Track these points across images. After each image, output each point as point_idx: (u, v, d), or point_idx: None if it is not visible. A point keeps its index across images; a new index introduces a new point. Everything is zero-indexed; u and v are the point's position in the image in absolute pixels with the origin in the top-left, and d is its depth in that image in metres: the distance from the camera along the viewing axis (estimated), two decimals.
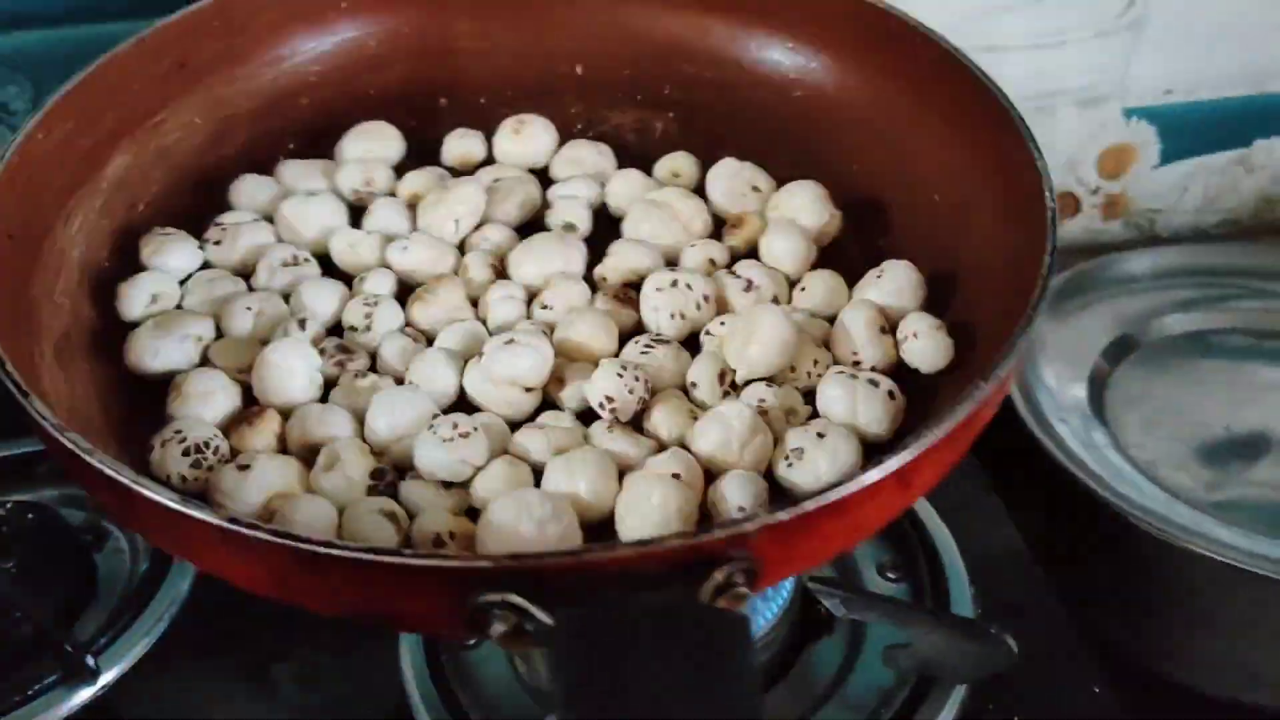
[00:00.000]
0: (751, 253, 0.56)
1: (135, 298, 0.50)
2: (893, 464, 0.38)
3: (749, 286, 0.52)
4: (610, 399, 0.46)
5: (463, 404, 0.49)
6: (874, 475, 0.37)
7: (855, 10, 0.58)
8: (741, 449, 0.45)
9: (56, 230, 0.52)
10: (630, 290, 0.53)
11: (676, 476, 0.43)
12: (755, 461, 0.45)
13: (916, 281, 0.51)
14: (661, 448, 0.46)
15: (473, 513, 0.44)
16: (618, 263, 0.54)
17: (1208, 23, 0.71)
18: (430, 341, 0.51)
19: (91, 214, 0.54)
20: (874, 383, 0.46)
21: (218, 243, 0.54)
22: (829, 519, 0.38)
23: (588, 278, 0.54)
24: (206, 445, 0.44)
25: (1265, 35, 0.72)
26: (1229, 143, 0.77)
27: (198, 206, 0.57)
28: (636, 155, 0.61)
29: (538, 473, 0.45)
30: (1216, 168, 0.78)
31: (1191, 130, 0.77)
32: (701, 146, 0.61)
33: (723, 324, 0.50)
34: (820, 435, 0.44)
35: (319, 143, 0.61)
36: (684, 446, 0.46)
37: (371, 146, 0.59)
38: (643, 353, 0.49)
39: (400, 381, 0.49)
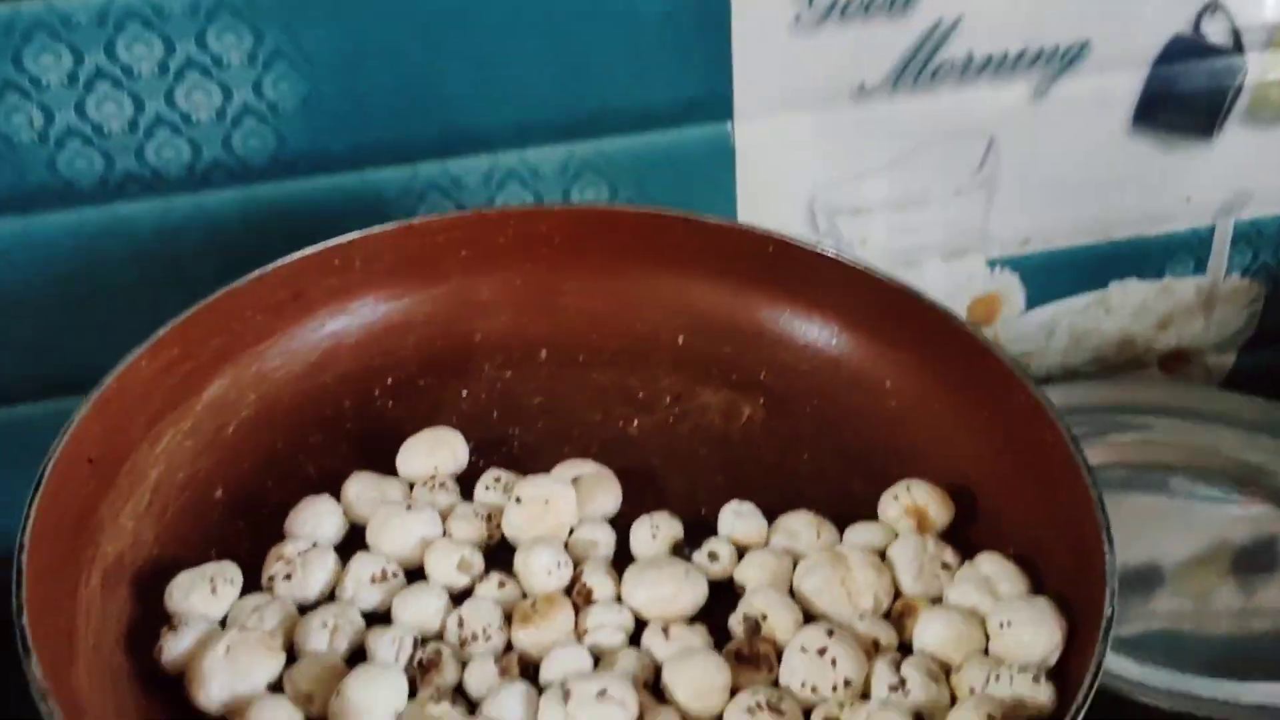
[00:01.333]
0: None
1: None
2: None
3: (900, 685, 0.43)
4: None
5: None
6: None
7: (955, 340, 0.54)
8: None
9: (140, 452, 0.50)
10: (760, 646, 0.45)
11: None
12: None
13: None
14: None
15: None
16: (756, 610, 0.46)
17: (1053, 179, 0.73)
18: (526, 665, 0.45)
19: (179, 435, 0.51)
20: None
21: (288, 577, 0.47)
22: None
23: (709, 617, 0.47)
24: None
25: (1106, 189, 0.74)
26: (1087, 285, 0.78)
27: (286, 433, 0.55)
28: (718, 438, 0.57)
29: None
30: (1078, 309, 0.79)
31: (1052, 276, 0.77)
32: (783, 439, 0.56)
33: (850, 706, 0.42)
34: None
35: (416, 382, 0.58)
36: None
37: (435, 460, 0.53)
38: (749, 709, 0.42)
39: (475, 707, 0.43)
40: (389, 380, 0.59)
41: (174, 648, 0.44)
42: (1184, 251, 0.79)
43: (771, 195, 0.70)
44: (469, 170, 0.66)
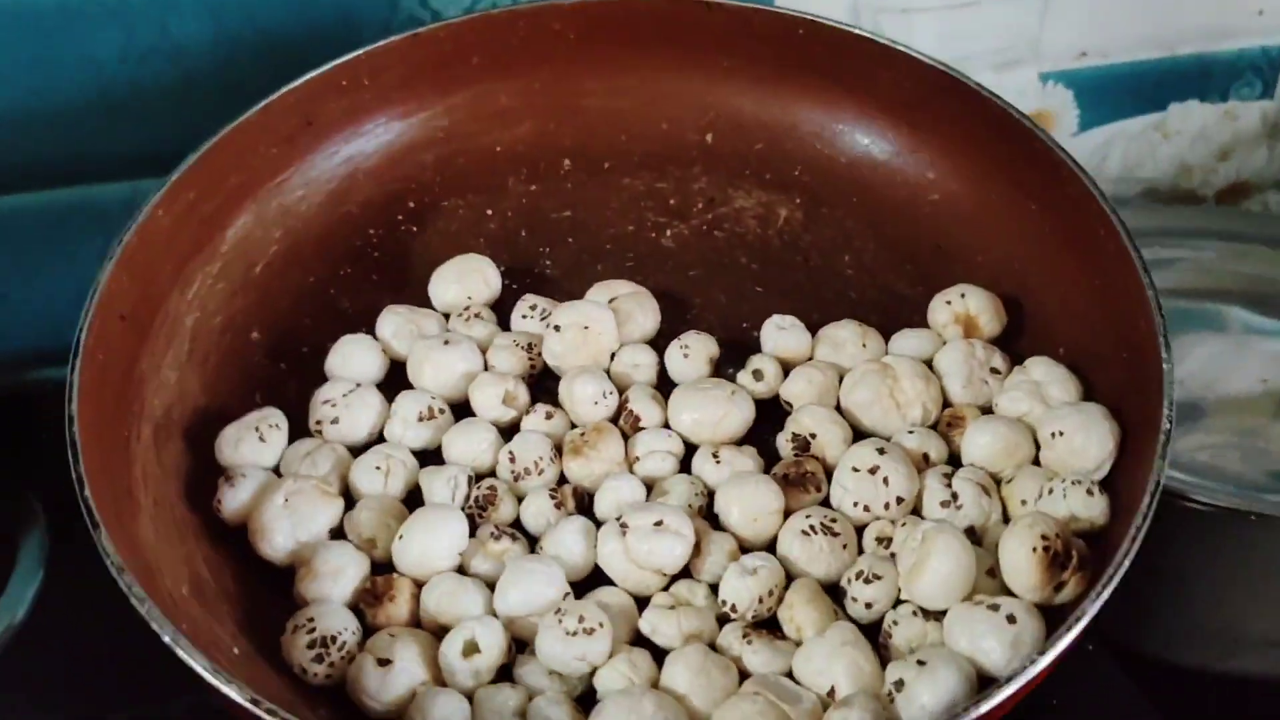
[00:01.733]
0: None
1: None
2: None
3: (952, 501, 0.43)
4: (734, 607, 0.41)
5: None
6: None
7: (1002, 126, 0.51)
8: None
9: (171, 300, 0.49)
10: (808, 465, 0.45)
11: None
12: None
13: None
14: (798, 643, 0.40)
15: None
16: (805, 430, 0.46)
17: None
18: (580, 496, 0.45)
19: (209, 279, 0.51)
20: (994, 607, 0.38)
21: (335, 421, 0.47)
22: None
23: (756, 441, 0.47)
24: (333, 640, 0.40)
25: None
26: (1145, 107, 0.73)
27: (316, 267, 0.53)
28: (756, 244, 0.55)
29: (659, 655, 0.40)
30: (1133, 134, 0.74)
31: (1108, 95, 0.72)
32: (823, 242, 0.55)
33: (903, 525, 0.42)
34: (921, 663, 0.37)
35: (439, 206, 0.56)
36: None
37: (467, 289, 0.52)
38: (804, 532, 0.42)
39: (535, 540, 0.44)
40: (411, 204, 0.57)
41: (233, 500, 0.44)
42: (1251, 73, 0.72)
43: None
44: None
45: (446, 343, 0.49)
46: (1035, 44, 0.70)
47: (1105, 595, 0.36)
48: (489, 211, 0.57)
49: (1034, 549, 0.39)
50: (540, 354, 0.50)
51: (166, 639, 0.37)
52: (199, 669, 0.36)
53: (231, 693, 0.35)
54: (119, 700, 0.48)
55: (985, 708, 0.34)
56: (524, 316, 0.51)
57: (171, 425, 0.48)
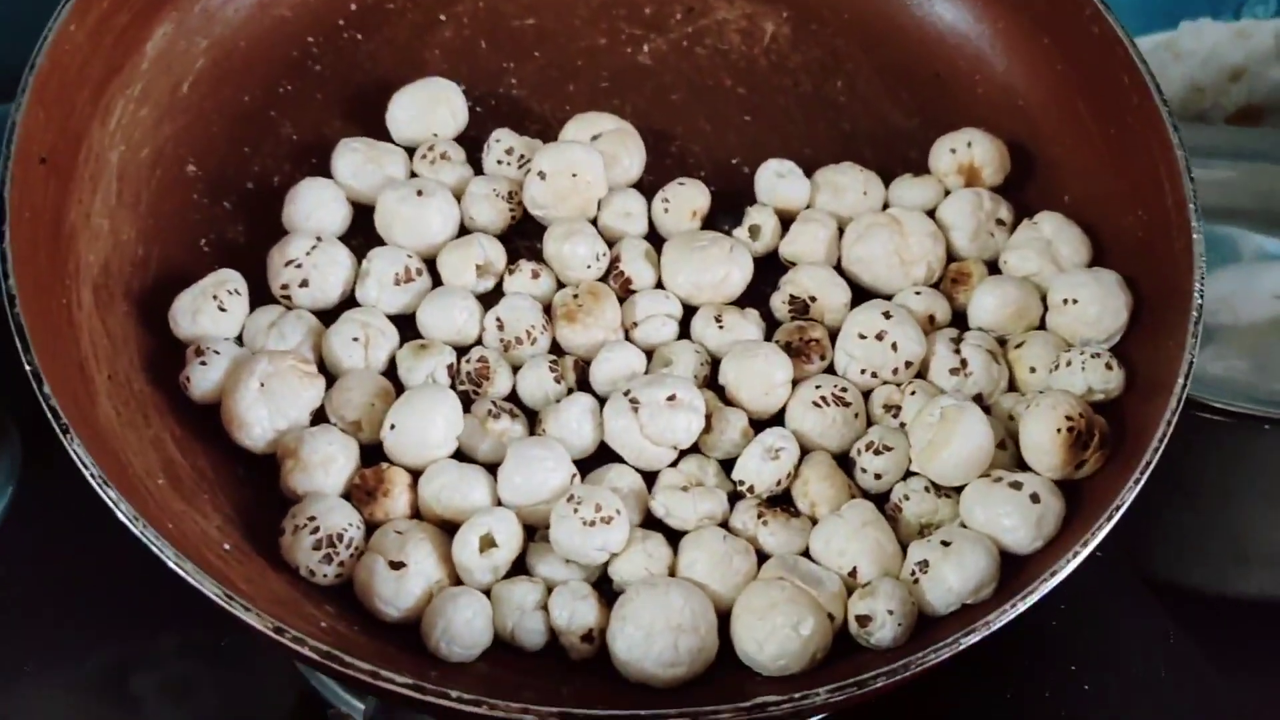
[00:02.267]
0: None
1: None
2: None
3: (961, 368, 0.41)
4: (751, 488, 0.40)
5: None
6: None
7: None
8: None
9: (93, 135, 0.43)
10: (812, 332, 0.43)
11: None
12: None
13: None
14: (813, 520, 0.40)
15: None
16: (804, 291, 0.43)
17: None
18: (580, 367, 0.42)
19: (130, 103, 0.44)
20: (1016, 485, 0.38)
21: (303, 284, 0.42)
22: None
23: (755, 297, 0.44)
24: (340, 538, 0.37)
25: None
26: (1155, 24, 0.69)
27: (251, 84, 0.47)
28: (742, 64, 0.50)
29: (673, 535, 0.39)
30: (1143, 53, 0.73)
31: (1117, 11, 0.71)
32: (814, 63, 0.51)
33: (912, 393, 0.41)
34: (945, 544, 0.37)
35: (384, 7, 0.50)
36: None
37: (431, 124, 0.47)
38: (815, 404, 0.41)
39: (534, 417, 0.41)
40: (352, 6, 0.51)
41: (201, 380, 0.41)
42: None
43: None
44: None
45: (420, 193, 0.44)
46: None
47: (1143, 480, 0.36)
48: (442, 17, 0.51)
49: (1059, 429, 0.39)
50: (521, 202, 0.46)
51: (155, 550, 0.34)
52: (209, 593, 0.34)
53: (251, 620, 0.33)
54: (103, 632, 0.45)
55: (1025, 604, 0.34)
56: (499, 162, 0.47)
57: (112, 284, 0.43)
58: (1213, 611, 0.50)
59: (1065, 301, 0.43)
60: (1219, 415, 0.49)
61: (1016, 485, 0.39)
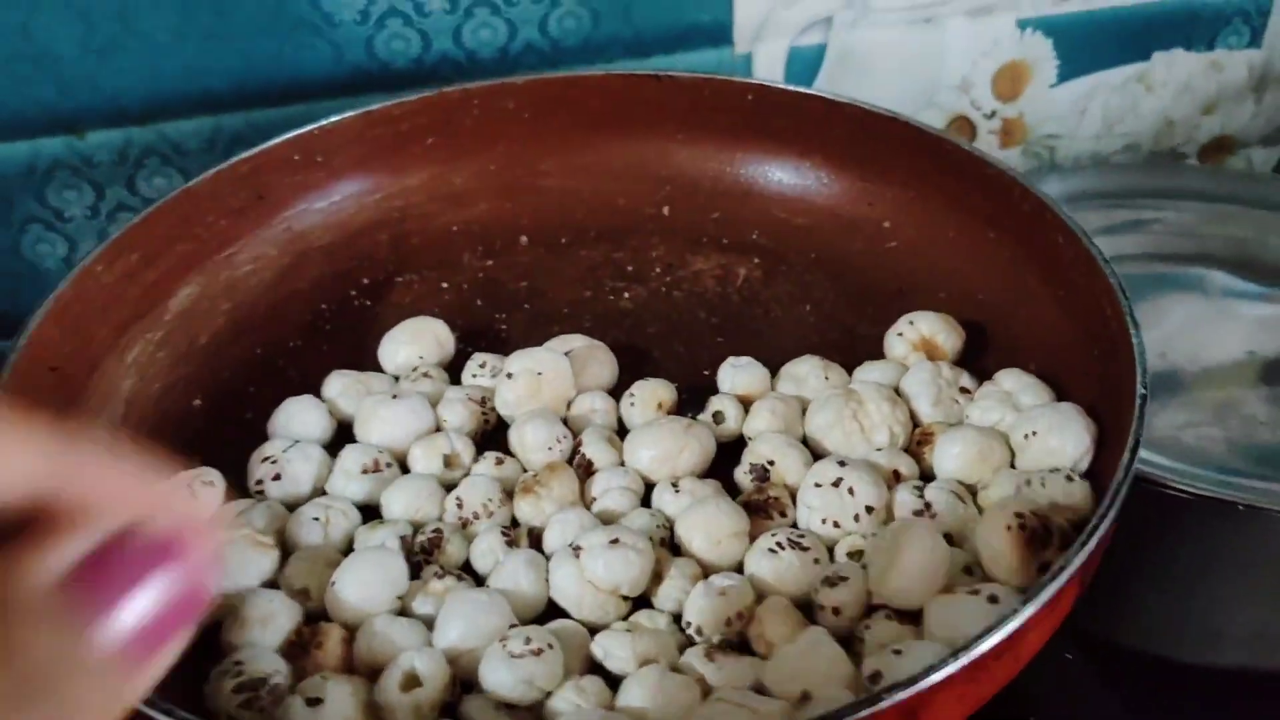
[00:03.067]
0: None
1: None
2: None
3: (925, 509, 0.41)
4: (699, 630, 0.38)
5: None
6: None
7: (948, 159, 0.51)
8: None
9: (109, 362, 0.48)
10: (770, 490, 0.43)
11: None
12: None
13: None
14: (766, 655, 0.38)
15: None
16: (762, 457, 0.44)
17: None
18: (533, 535, 0.43)
19: (150, 345, 0.50)
20: (974, 591, 0.36)
21: (276, 478, 0.45)
22: None
23: (719, 475, 0.45)
24: (263, 683, 0.36)
25: None
26: (1127, 56, 0.69)
27: (264, 340, 0.52)
28: (715, 301, 0.54)
29: (613, 681, 0.37)
30: (1115, 85, 0.70)
31: (1089, 43, 0.68)
32: (783, 295, 0.54)
33: (873, 535, 0.40)
34: (897, 653, 0.35)
35: (393, 281, 0.56)
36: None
37: (419, 349, 0.51)
38: (771, 550, 0.40)
39: (481, 583, 0.41)
40: (365, 281, 0.57)
41: None
42: (1240, 19, 0.70)
43: None
44: None
45: (395, 396, 0.47)
46: None
47: (1090, 545, 0.33)
48: (444, 285, 0.57)
49: (1008, 527, 0.36)
50: (494, 407, 0.48)
51: None
52: None
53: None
54: None
55: (959, 664, 0.30)
56: (474, 376, 0.50)
57: None
58: (1186, 687, 0.47)
59: (1026, 437, 0.42)
60: (1187, 495, 0.44)
61: (974, 592, 0.36)
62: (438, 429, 0.48)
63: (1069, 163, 0.74)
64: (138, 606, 0.22)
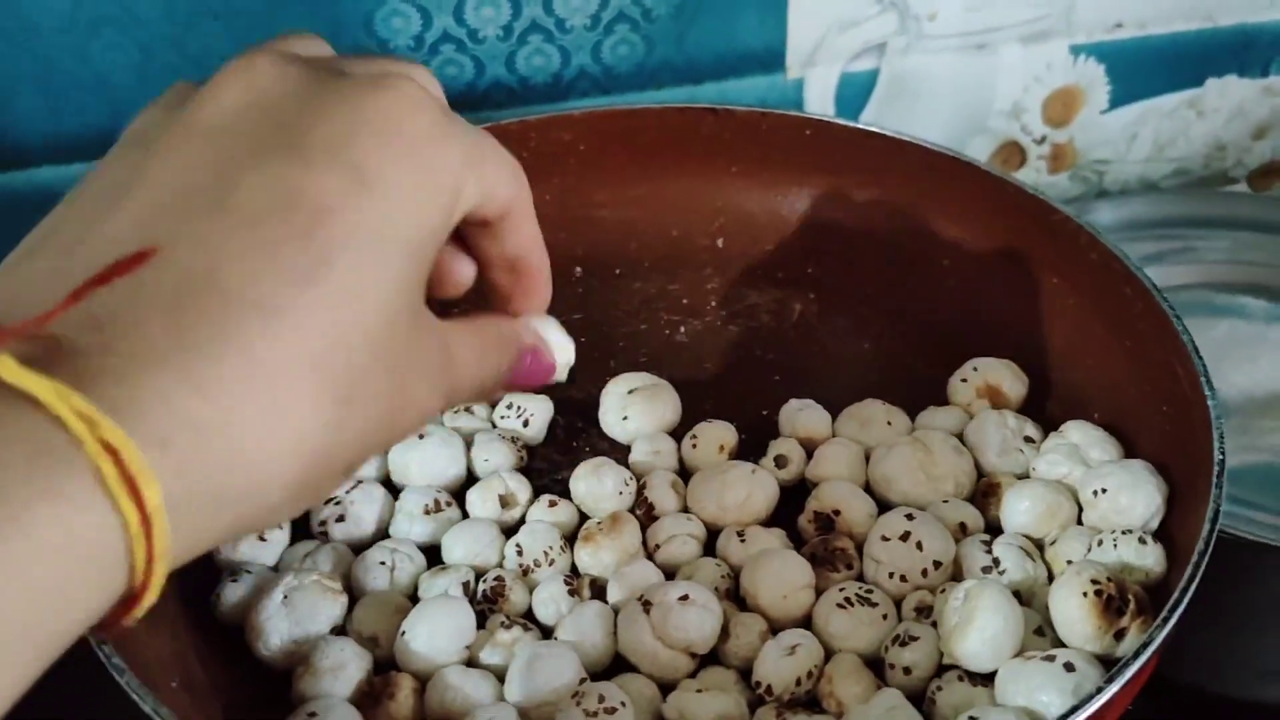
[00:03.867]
0: None
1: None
2: None
3: (994, 565, 0.41)
4: (769, 689, 0.38)
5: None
6: None
7: (1011, 201, 0.51)
8: None
9: None
10: (836, 541, 0.43)
11: None
12: None
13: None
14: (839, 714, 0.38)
15: None
16: (827, 506, 0.44)
17: None
18: (595, 585, 0.43)
19: None
20: (1050, 658, 0.36)
21: (340, 519, 0.45)
22: None
23: (782, 520, 0.45)
24: None
25: None
26: (1180, 82, 0.69)
27: None
28: (771, 336, 0.55)
29: None
30: (1166, 111, 0.70)
31: (1142, 69, 0.68)
32: (841, 331, 0.55)
33: (942, 591, 0.40)
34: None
35: (447, 312, 0.61)
36: None
37: None
38: (839, 605, 0.40)
39: (549, 633, 0.42)
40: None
41: (230, 596, 0.42)
42: None
43: None
44: (486, 21, 0.62)
45: (421, 436, 0.48)
46: (1068, 14, 0.67)
47: (1174, 620, 0.33)
48: None
49: (1084, 594, 0.36)
50: (526, 445, 0.49)
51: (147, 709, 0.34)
52: None
53: None
54: None
55: None
56: (502, 417, 0.51)
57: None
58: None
59: (1095, 494, 0.42)
60: (1248, 540, 0.44)
61: (1050, 658, 0.36)
62: (469, 466, 0.48)
63: (1118, 187, 0.74)
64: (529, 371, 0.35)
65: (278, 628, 0.41)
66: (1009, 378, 0.48)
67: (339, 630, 0.42)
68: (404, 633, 0.40)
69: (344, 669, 0.40)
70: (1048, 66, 0.69)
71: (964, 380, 0.48)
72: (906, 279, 0.55)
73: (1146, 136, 0.73)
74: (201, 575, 0.44)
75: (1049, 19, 0.67)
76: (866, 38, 0.67)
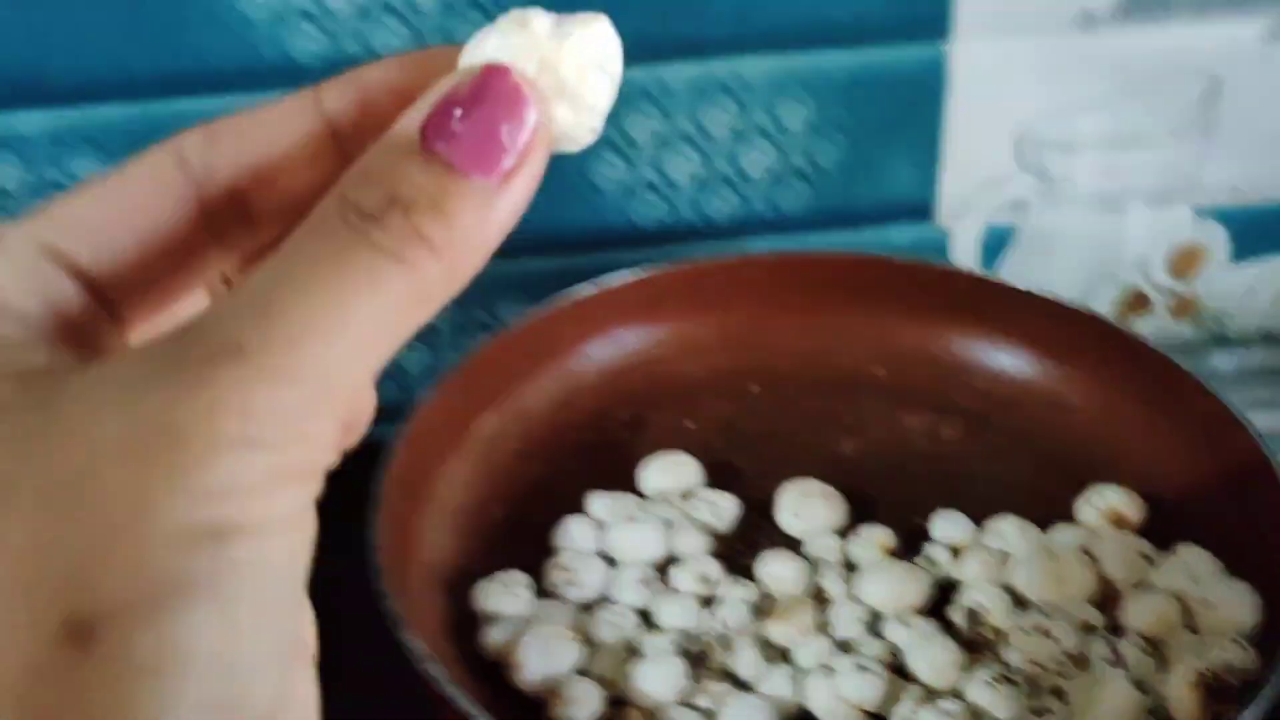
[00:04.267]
0: None
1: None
2: None
3: (1115, 660, 0.50)
4: None
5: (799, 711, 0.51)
6: None
7: (1139, 357, 0.62)
8: None
9: (434, 478, 0.60)
10: (983, 631, 0.53)
11: None
12: None
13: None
14: None
15: None
16: (973, 601, 0.53)
17: (1277, 127, 0.70)
18: (780, 653, 0.53)
19: (461, 465, 0.62)
20: None
21: (570, 583, 0.57)
22: None
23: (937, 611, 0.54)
24: None
25: None
26: None
27: (544, 460, 0.64)
28: (923, 454, 0.65)
29: None
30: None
31: (1263, 231, 0.75)
32: (982, 453, 0.65)
33: (1068, 679, 0.49)
34: None
35: (648, 416, 0.67)
36: None
37: (671, 479, 0.62)
38: (987, 683, 0.49)
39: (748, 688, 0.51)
40: (625, 415, 0.68)
41: (495, 637, 0.53)
42: None
43: (980, 123, 0.71)
44: (680, 171, 0.73)
45: (631, 519, 0.59)
46: (1193, 180, 0.74)
47: (1263, 706, 0.42)
48: (688, 423, 0.68)
49: (1193, 683, 0.46)
50: (715, 532, 0.60)
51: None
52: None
53: None
54: None
55: None
56: (696, 509, 0.61)
57: (433, 575, 0.57)
58: None
59: (1204, 606, 0.51)
60: None
61: None
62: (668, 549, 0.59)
63: (1237, 336, 0.82)
64: (477, 127, 0.24)
65: (533, 662, 0.52)
66: (1128, 504, 0.57)
67: (581, 671, 0.53)
68: (630, 679, 0.51)
69: (587, 700, 0.50)
70: (1172, 226, 0.78)
71: (1089, 503, 0.58)
72: (1041, 412, 0.65)
73: (1265, 292, 0.81)
74: (458, 620, 0.56)
75: (1174, 184, 0.76)
76: (1011, 196, 0.78)
